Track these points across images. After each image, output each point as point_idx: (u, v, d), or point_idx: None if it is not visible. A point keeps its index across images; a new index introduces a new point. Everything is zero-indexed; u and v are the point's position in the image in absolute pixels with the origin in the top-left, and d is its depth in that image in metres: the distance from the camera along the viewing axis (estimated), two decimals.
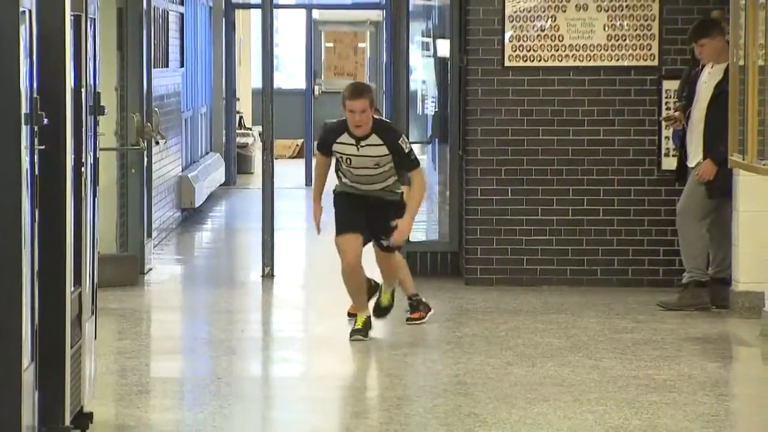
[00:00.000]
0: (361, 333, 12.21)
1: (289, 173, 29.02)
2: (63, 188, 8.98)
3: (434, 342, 12.77)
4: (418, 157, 13.31)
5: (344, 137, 12.23)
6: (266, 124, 19.30)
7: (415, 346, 12.83)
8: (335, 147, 12.34)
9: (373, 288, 13.11)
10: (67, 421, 8.89)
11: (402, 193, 12.71)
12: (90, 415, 9.64)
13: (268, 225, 18.08)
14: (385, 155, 12.28)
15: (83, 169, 9.60)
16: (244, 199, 28.36)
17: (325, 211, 13.62)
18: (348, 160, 12.39)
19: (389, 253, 12.72)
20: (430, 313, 13.27)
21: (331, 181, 14.21)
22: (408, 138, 13.68)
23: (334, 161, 12.78)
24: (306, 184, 29.11)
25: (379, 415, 10.66)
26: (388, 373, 12.13)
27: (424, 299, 13.25)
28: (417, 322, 13.15)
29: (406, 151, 12.35)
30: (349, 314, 13.15)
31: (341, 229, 12.42)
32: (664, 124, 15.91)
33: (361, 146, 12.17)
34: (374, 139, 12.16)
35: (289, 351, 14.06)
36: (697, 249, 15.04)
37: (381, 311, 12.89)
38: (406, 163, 12.37)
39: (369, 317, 12.51)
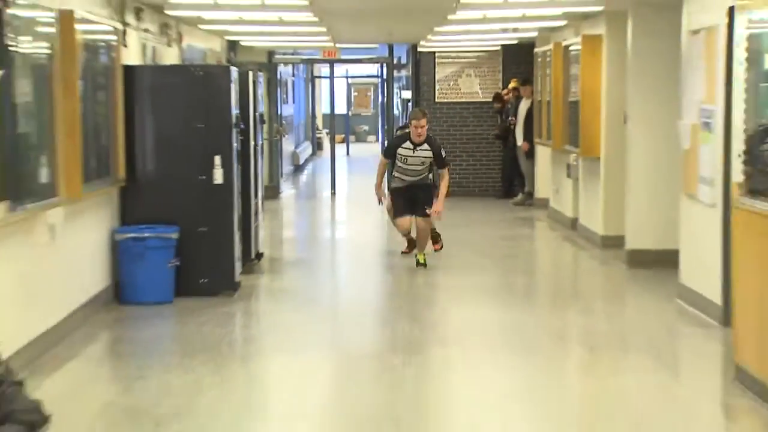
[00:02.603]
0: (422, 265, 13.34)
1: (340, 150, 33.26)
2: (249, 154, 12.57)
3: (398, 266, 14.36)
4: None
5: (407, 144, 13.36)
6: (330, 128, 27.83)
7: (387, 270, 14.62)
8: (399, 150, 13.41)
9: (412, 240, 13.89)
10: (252, 256, 12.94)
11: (431, 179, 13.85)
12: (262, 254, 13.57)
13: (331, 172, 24.23)
14: (429, 158, 13.36)
15: (257, 146, 13.10)
16: (321, 161, 34.23)
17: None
18: (405, 159, 13.35)
19: (426, 220, 13.39)
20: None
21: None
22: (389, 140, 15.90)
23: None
24: (347, 155, 37.74)
25: (354, 294, 13.30)
26: (374, 280, 14.28)
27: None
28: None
29: (443, 156, 13.52)
30: (402, 252, 14.37)
31: (398, 213, 13.54)
32: (510, 121, 20.70)
33: (416, 150, 13.33)
34: (425, 146, 13.33)
35: (344, 227, 20.17)
36: (531, 182, 20.32)
37: (419, 264, 13.48)
38: (441, 163, 13.50)
39: (425, 256, 13.45)
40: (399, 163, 13.32)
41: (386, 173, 14.18)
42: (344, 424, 7.70)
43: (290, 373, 9.06)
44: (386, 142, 14.72)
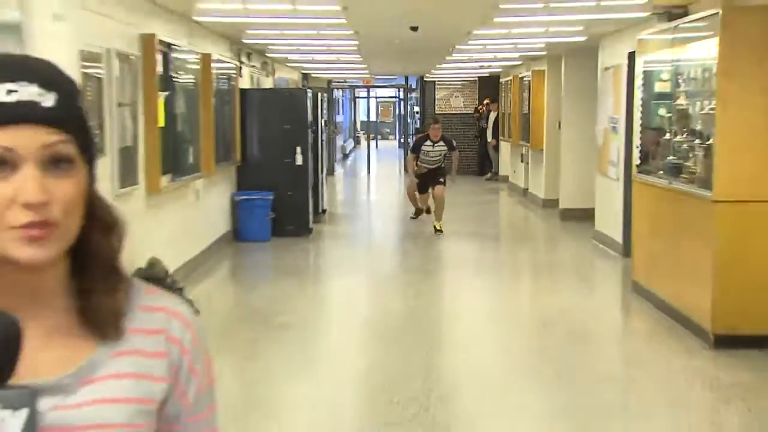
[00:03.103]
0: (439, 232, 11.94)
1: (372, 144, 29.36)
2: (317, 146, 12.66)
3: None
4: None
5: (427, 142, 12.36)
6: (366, 130, 27.24)
7: (405, 222, 13.69)
8: (423, 147, 12.37)
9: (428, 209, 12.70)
10: (320, 211, 13.05)
11: (444, 165, 12.49)
12: (325, 210, 13.75)
13: (367, 159, 24.10)
14: (444, 150, 12.34)
15: (322, 141, 13.36)
16: (359, 152, 32.19)
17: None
18: (427, 153, 12.31)
19: (439, 188, 12.14)
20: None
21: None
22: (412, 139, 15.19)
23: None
24: (376, 148, 32.33)
25: (384, 236, 13.99)
26: (396, 228, 14.58)
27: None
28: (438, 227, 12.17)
29: (454, 144, 12.58)
30: (411, 217, 13.33)
31: (420, 191, 12.64)
32: (483, 126, 20.33)
33: (435, 146, 12.36)
34: (441, 143, 12.38)
35: (375, 194, 19.74)
36: (497, 165, 20.04)
37: (436, 231, 12.03)
38: (453, 149, 12.50)
39: (441, 224, 12.03)
40: (422, 156, 12.34)
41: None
42: (381, 316, 7.86)
43: (345, 287, 9.20)
44: (412, 142, 13.21)
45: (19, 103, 1.08)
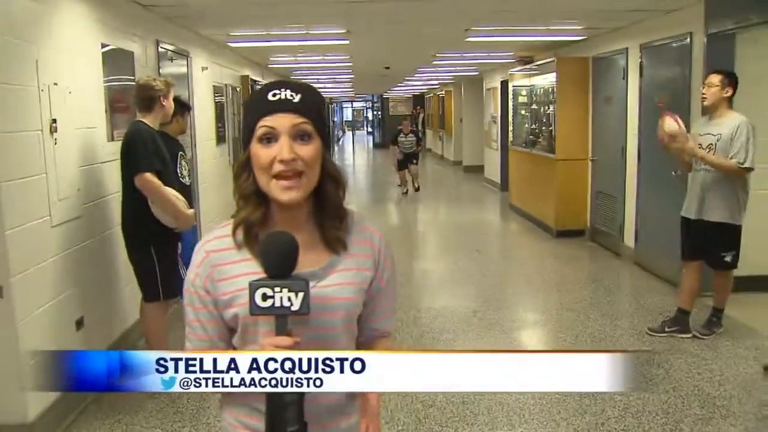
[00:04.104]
0: (417, 190, 9.96)
1: (352, 133, 27.65)
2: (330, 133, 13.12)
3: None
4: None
5: (401, 135, 10.09)
6: (350, 125, 25.92)
7: (380, 173, 13.69)
8: (398, 138, 10.12)
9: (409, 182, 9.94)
10: None
11: (417, 152, 10.17)
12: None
13: (351, 141, 23.22)
14: (414, 141, 10.09)
15: (330, 131, 12.74)
16: (346, 138, 27.38)
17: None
18: (403, 142, 10.07)
19: (413, 169, 10.09)
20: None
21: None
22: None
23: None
24: (354, 135, 27.26)
25: (373, 178, 12.66)
26: (377, 174, 13.77)
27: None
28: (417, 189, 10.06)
29: (420, 138, 10.23)
30: (399, 186, 10.55)
31: (399, 168, 10.22)
32: (416, 123, 17.42)
33: (406, 137, 10.08)
34: (411, 135, 10.11)
35: (358, 157, 18.12)
36: (425, 143, 17.20)
37: (416, 190, 9.97)
38: (419, 143, 10.18)
39: (408, 190, 9.99)
40: (399, 144, 10.15)
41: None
42: (381, 222, 7.44)
43: (359, 203, 8.87)
44: (389, 136, 11.12)
45: (279, 100, 1.03)
